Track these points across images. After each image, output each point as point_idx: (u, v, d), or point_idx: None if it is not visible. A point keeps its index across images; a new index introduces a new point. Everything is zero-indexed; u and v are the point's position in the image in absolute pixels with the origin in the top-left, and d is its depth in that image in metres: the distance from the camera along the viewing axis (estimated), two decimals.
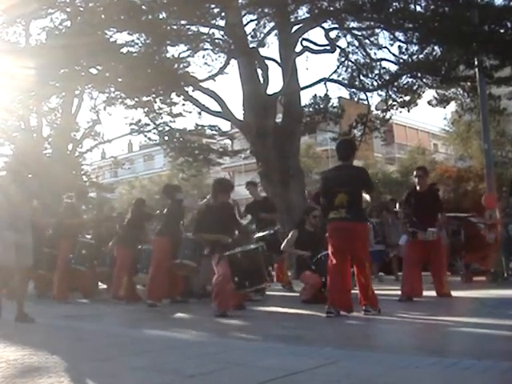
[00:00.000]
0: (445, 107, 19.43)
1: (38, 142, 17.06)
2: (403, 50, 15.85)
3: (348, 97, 18.78)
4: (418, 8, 14.30)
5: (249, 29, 16.76)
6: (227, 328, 5.27)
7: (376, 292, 5.95)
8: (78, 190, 10.61)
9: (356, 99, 18.21)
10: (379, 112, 18.87)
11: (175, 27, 14.04)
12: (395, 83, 16.76)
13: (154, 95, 15.40)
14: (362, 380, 2.76)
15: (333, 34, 16.72)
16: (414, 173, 7.63)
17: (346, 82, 17.62)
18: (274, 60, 16.18)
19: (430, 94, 18.66)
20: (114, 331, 5.01)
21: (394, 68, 16.73)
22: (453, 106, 20.94)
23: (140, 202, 8.98)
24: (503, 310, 5.89)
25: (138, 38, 14.04)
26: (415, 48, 15.61)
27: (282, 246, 7.80)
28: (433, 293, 7.24)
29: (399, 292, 7.15)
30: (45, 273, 8.88)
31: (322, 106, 17.43)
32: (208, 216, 6.42)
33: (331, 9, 14.43)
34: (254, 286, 6.45)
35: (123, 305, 7.86)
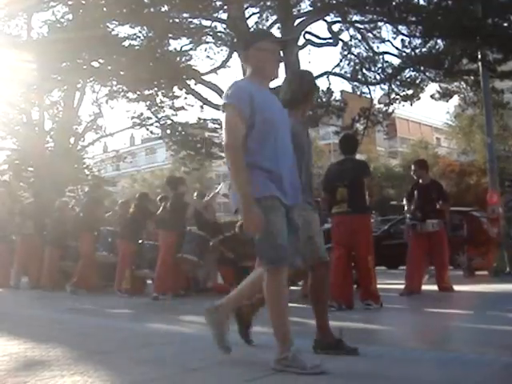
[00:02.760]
0: (448, 101, 19.39)
1: (39, 136, 17.11)
2: (406, 44, 15.78)
3: (351, 90, 18.71)
4: (421, 1, 14.23)
5: (251, 22, 16.71)
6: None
7: (378, 286, 5.95)
8: (93, 184, 10.67)
9: (359, 93, 18.13)
10: (382, 106, 18.81)
11: (177, 20, 14.01)
12: (398, 77, 16.69)
13: (156, 88, 15.39)
14: (363, 374, 2.76)
15: (335, 28, 16.64)
16: (412, 167, 7.71)
17: (348, 75, 17.55)
18: None
19: (432, 87, 18.65)
20: (116, 325, 5.02)
21: (396, 61, 16.65)
22: (456, 99, 20.88)
23: (144, 197, 8.99)
24: (505, 305, 5.88)
25: (140, 32, 14.03)
26: (418, 41, 15.54)
27: None
28: (435, 287, 7.24)
29: (400, 286, 7.16)
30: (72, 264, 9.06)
31: (324, 100, 17.37)
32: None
33: (334, 2, 14.38)
34: None
35: (126, 298, 7.88)
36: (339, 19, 15.94)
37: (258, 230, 2.75)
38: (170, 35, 14.03)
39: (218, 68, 15.90)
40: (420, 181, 7.46)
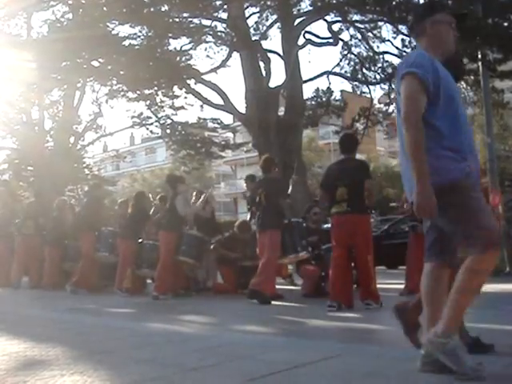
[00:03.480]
0: None
1: (39, 136, 17.11)
2: (406, 43, 15.80)
3: (351, 90, 18.76)
4: (421, 1, 14.24)
5: (251, 21, 16.77)
6: (229, 321, 5.28)
7: (378, 286, 5.95)
8: (94, 184, 10.66)
9: (359, 92, 18.18)
10: (382, 105, 18.84)
11: (177, 20, 14.02)
12: None
13: (156, 88, 15.40)
14: (364, 374, 2.76)
15: (336, 27, 16.68)
16: None
17: (348, 75, 17.58)
18: (276, 53, 16.16)
19: None
20: (115, 324, 5.02)
21: (396, 61, 16.68)
22: None
23: (141, 196, 8.97)
24: (505, 305, 5.88)
25: (140, 31, 14.03)
26: None
27: None
28: None
29: (400, 286, 7.16)
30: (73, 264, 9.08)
31: (324, 99, 17.41)
32: None
33: (334, 1, 14.40)
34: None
35: (126, 297, 7.88)
36: (339, 19, 15.96)
37: (432, 216, 2.53)
38: (170, 35, 14.04)
39: (218, 67, 15.91)
40: None
